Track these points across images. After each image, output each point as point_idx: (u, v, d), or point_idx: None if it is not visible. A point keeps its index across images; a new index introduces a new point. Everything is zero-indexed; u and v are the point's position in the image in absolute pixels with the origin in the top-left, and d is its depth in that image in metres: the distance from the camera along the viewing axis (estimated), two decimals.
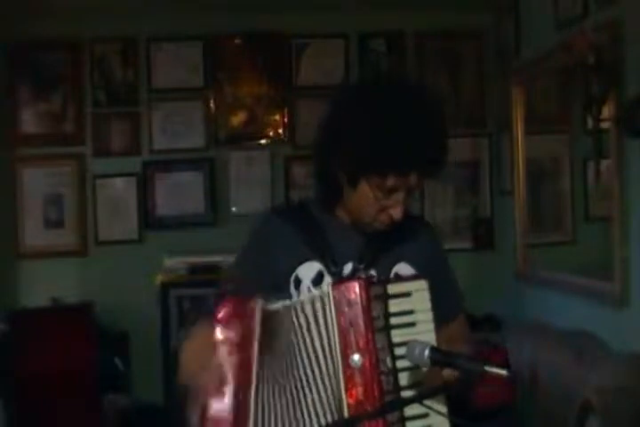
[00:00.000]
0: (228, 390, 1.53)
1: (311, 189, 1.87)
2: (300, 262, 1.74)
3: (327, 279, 1.72)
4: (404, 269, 1.77)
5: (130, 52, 4.84)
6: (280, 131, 4.89)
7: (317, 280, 1.72)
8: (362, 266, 1.73)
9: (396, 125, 1.61)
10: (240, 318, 1.55)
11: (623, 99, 3.16)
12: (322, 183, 1.78)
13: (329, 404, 1.53)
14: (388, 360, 1.54)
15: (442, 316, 1.85)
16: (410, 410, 1.55)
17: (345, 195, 1.73)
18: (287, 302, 1.59)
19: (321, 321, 1.55)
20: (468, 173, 4.96)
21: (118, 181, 4.83)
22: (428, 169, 1.68)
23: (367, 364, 1.52)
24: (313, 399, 1.54)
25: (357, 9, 4.75)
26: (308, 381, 1.55)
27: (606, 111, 3.29)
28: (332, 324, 1.54)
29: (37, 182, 4.77)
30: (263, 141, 4.90)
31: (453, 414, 1.58)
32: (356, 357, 1.52)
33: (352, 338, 1.53)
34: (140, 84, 4.85)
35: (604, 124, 3.32)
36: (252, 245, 1.84)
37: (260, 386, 1.55)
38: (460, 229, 4.94)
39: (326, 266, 1.73)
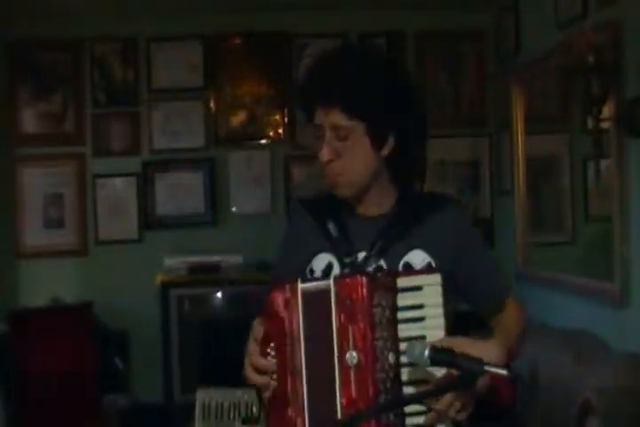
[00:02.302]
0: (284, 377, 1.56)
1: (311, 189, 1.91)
2: (315, 254, 1.76)
3: (336, 270, 1.72)
4: (417, 257, 1.72)
5: (130, 52, 4.84)
6: (280, 131, 4.89)
7: (326, 271, 1.73)
8: (372, 253, 1.71)
9: (314, 69, 1.77)
10: (285, 306, 1.57)
11: (623, 99, 3.16)
12: None
13: (323, 398, 1.53)
14: (391, 355, 1.52)
15: (485, 305, 1.86)
16: (410, 407, 1.53)
17: None
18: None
19: (322, 317, 1.54)
20: (468, 172, 4.96)
21: (118, 181, 4.84)
22: (338, 102, 1.68)
23: (363, 362, 1.51)
24: (312, 390, 1.55)
25: (357, 9, 4.75)
26: (317, 373, 1.55)
27: (606, 111, 3.29)
28: (332, 319, 1.53)
29: (37, 182, 4.77)
30: (263, 141, 4.90)
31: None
32: (353, 354, 1.51)
33: (350, 335, 1.52)
34: (140, 84, 4.85)
35: (604, 124, 3.32)
36: (286, 236, 1.91)
37: (307, 369, 1.56)
38: None
39: (338, 257, 1.73)
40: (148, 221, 4.83)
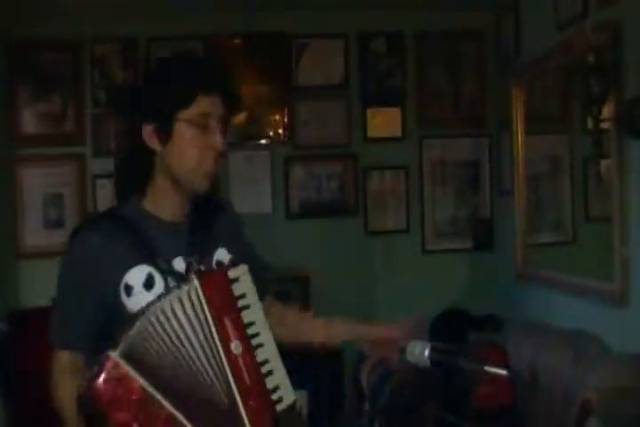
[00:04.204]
0: None
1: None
2: (127, 269, 1.70)
3: (158, 281, 1.70)
4: (221, 254, 1.82)
5: (130, 52, 4.84)
6: (280, 131, 4.89)
7: (149, 283, 1.70)
8: (193, 259, 1.75)
9: (177, 62, 1.78)
10: (116, 384, 1.50)
11: (623, 99, 3.16)
12: (129, 166, 1.80)
13: (221, 391, 1.56)
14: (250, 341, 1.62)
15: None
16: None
17: (159, 168, 1.75)
18: (146, 318, 1.53)
19: (193, 317, 1.55)
20: (468, 173, 4.96)
21: None
22: (221, 92, 1.72)
23: (245, 349, 1.59)
24: (208, 388, 1.56)
25: (357, 9, 4.75)
26: (199, 377, 1.55)
27: (606, 111, 3.29)
28: (206, 316, 1.56)
29: (37, 182, 4.77)
30: (263, 141, 4.90)
31: (458, 413, 1.58)
32: (236, 343, 1.58)
33: (228, 326, 1.58)
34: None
35: (604, 124, 3.32)
36: (69, 276, 1.82)
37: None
38: (459, 229, 4.94)
39: (156, 266, 1.71)
40: None
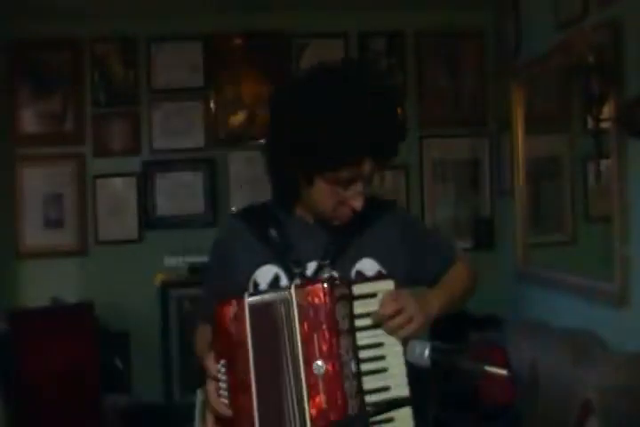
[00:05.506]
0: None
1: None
2: (258, 266, 1.71)
3: (284, 282, 1.68)
4: (367, 265, 1.71)
5: (130, 52, 4.85)
6: None
7: (274, 284, 1.69)
8: (326, 263, 1.68)
9: (338, 118, 1.56)
10: (232, 320, 1.54)
11: (623, 98, 3.16)
12: (277, 183, 1.75)
13: (292, 411, 1.51)
14: (353, 364, 1.51)
15: (434, 273, 1.83)
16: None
17: (302, 192, 1.69)
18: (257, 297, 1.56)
19: (284, 326, 1.52)
20: (469, 172, 4.96)
21: (118, 181, 4.84)
22: (379, 155, 1.61)
23: (331, 370, 1.49)
24: (280, 405, 1.52)
25: (357, 8, 4.75)
26: (274, 387, 1.53)
27: (606, 111, 3.29)
28: (295, 329, 1.51)
29: (37, 182, 4.77)
30: (263, 141, 4.89)
31: (458, 413, 1.58)
32: (320, 363, 1.50)
33: (315, 344, 1.50)
34: (140, 84, 4.85)
35: (604, 124, 3.32)
36: (213, 256, 1.88)
37: (257, 384, 1.53)
38: (460, 228, 4.94)
39: (285, 268, 1.69)
40: (148, 221, 4.83)
